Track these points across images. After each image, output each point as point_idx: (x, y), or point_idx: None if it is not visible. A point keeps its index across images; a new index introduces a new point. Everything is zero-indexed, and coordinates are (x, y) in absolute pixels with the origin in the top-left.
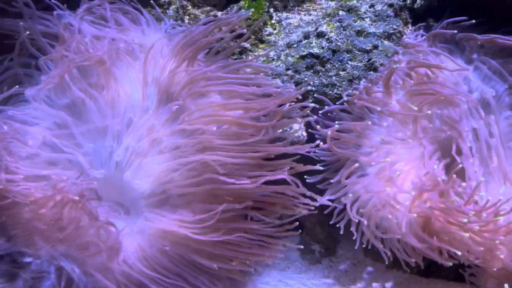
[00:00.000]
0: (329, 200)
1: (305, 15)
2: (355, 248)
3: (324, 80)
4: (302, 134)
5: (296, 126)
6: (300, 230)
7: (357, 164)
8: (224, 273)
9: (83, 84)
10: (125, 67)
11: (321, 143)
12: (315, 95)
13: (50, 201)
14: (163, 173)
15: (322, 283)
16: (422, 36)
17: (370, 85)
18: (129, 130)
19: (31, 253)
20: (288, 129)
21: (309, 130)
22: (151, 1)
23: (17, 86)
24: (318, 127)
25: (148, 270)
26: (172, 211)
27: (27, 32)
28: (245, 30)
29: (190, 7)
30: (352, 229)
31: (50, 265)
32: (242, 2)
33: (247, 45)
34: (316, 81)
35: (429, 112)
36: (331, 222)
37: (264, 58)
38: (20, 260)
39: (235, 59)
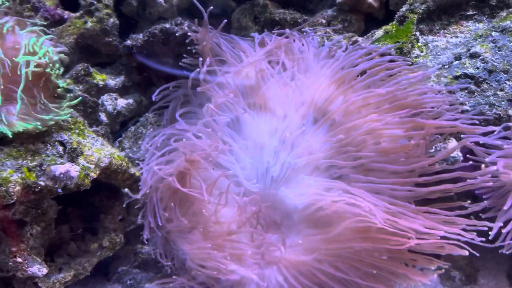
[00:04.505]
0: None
1: (451, 37)
2: (497, 277)
3: (481, 100)
4: (458, 154)
5: (451, 145)
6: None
7: None
8: None
9: (244, 103)
10: (282, 86)
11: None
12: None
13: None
14: (318, 189)
15: None
16: None
17: None
18: (285, 146)
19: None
20: (442, 148)
21: (467, 155)
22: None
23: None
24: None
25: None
26: (325, 226)
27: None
28: (393, 51)
29: (332, 34)
30: None
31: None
32: (389, 27)
33: None
34: (472, 101)
35: None
36: (504, 251)
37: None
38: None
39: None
